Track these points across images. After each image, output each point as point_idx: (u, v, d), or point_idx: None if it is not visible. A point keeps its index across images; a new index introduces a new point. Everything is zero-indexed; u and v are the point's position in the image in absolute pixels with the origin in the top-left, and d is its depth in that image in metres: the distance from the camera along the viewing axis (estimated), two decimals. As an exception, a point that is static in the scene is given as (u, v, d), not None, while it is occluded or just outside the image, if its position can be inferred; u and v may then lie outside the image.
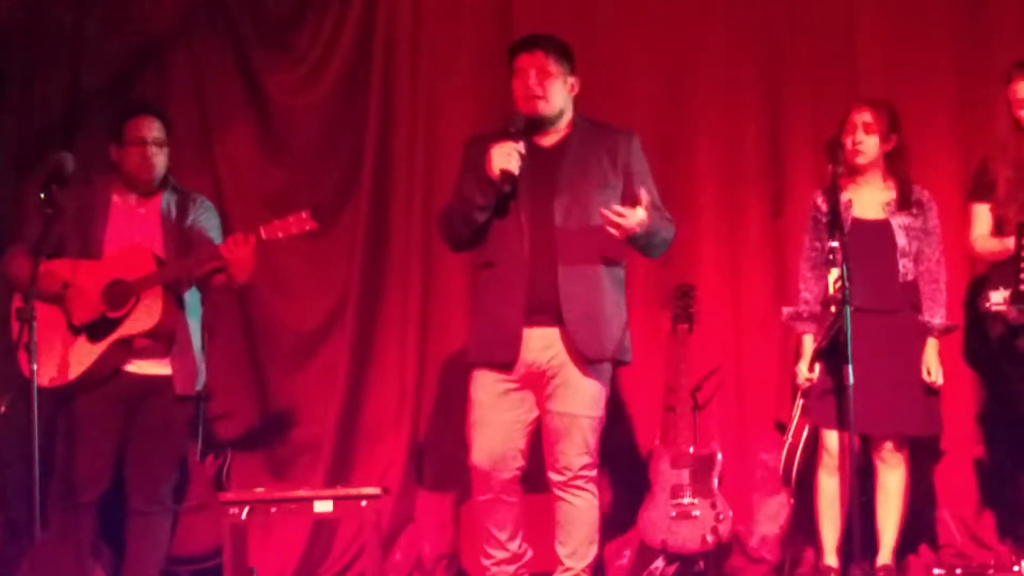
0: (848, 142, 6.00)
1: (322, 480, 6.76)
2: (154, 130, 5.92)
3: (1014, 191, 5.89)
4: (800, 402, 6.15)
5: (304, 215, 5.70)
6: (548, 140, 5.42)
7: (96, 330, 5.72)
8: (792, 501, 6.50)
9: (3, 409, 5.34)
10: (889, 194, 6.02)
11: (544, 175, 5.32)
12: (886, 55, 6.80)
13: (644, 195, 5.17)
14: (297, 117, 7.19)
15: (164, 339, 5.80)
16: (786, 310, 6.24)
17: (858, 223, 5.97)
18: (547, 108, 5.37)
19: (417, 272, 7.02)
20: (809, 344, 6.09)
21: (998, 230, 5.96)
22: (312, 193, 7.08)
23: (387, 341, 7.07)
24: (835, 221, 5.63)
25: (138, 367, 5.80)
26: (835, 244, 5.45)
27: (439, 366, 6.98)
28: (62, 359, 5.65)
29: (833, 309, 5.55)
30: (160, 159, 5.94)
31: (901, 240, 5.97)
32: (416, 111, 7.09)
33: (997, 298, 5.68)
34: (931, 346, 5.98)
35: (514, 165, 5.21)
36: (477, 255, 5.51)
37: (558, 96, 5.38)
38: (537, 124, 5.39)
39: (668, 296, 6.69)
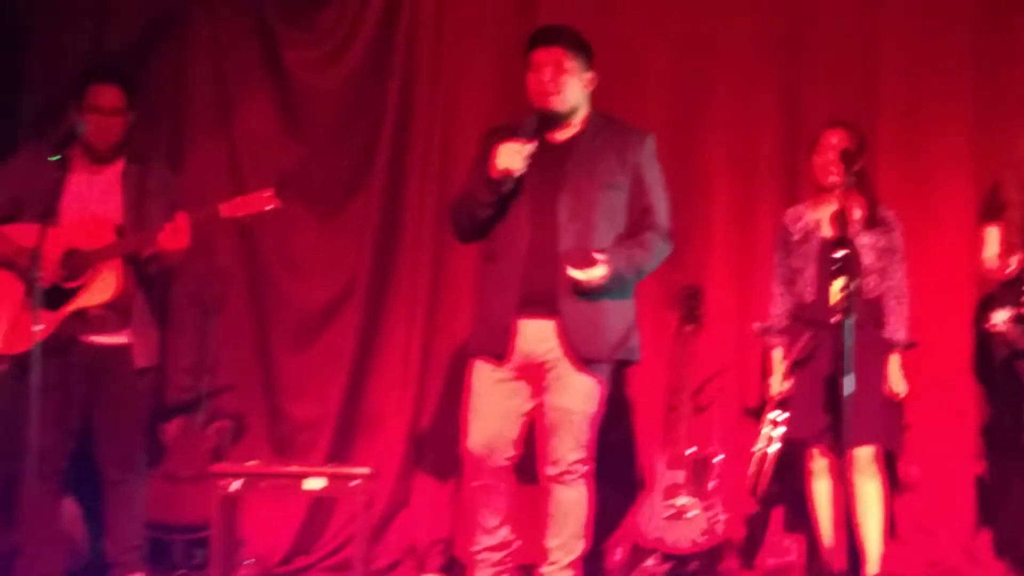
0: (820, 162, 6.06)
1: (322, 459, 6.78)
2: (113, 99, 5.86)
3: (1020, 214, 5.91)
4: (771, 415, 6.18)
5: (266, 194, 5.67)
6: (560, 135, 5.41)
7: (52, 300, 5.62)
8: (757, 510, 6.56)
9: (5, 367, 5.34)
10: (856, 213, 6.03)
11: (551, 171, 5.30)
12: (906, 66, 6.82)
13: (599, 256, 5.17)
14: (316, 95, 7.18)
15: (120, 311, 5.79)
16: (756, 325, 6.30)
17: (825, 242, 6.00)
18: (560, 104, 5.35)
19: (427, 259, 7.01)
20: (779, 358, 6.18)
21: (1006, 251, 5.96)
22: (328, 173, 7.12)
23: (394, 325, 7.06)
24: (842, 231, 5.63)
25: (96, 337, 5.80)
26: (840, 255, 5.45)
27: (444, 353, 6.97)
28: (20, 328, 5.49)
29: (834, 320, 5.55)
30: (117, 128, 5.88)
31: (868, 258, 6.01)
32: (435, 98, 7.07)
33: (1000, 318, 5.70)
34: (894, 361, 6.03)
35: (517, 165, 5.21)
36: (482, 248, 5.51)
37: (573, 92, 5.35)
38: (551, 120, 5.38)
39: (675, 296, 6.68)
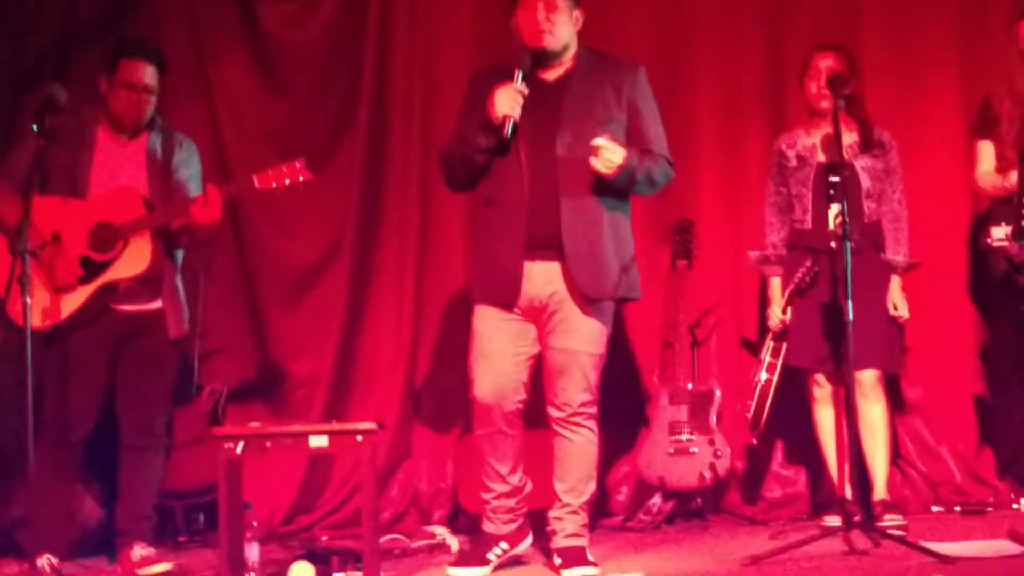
0: (812, 87, 6.04)
1: (319, 416, 6.73)
2: (147, 76, 5.82)
3: (1015, 128, 5.86)
4: (770, 345, 6.18)
5: (298, 164, 5.65)
6: (552, 74, 5.34)
7: (83, 272, 5.66)
8: (756, 443, 6.57)
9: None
10: (851, 137, 6.01)
11: (546, 110, 5.24)
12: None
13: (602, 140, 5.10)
14: (294, 50, 7.11)
15: (152, 283, 5.78)
16: (753, 254, 6.30)
17: (822, 167, 5.98)
18: (553, 42, 5.28)
19: (414, 207, 6.97)
20: (777, 287, 6.18)
21: (1000, 167, 5.93)
22: (310, 128, 7.05)
23: (384, 277, 7.03)
24: (837, 156, 5.60)
25: (127, 306, 5.78)
26: (836, 180, 5.45)
27: (437, 302, 6.96)
28: (50, 301, 5.60)
29: (833, 245, 5.55)
30: (147, 105, 5.85)
31: (866, 182, 6.00)
32: (414, 41, 7.01)
33: (999, 234, 5.61)
34: (895, 283, 6.04)
35: (517, 111, 5.16)
36: (477, 193, 5.42)
37: (564, 30, 5.30)
38: (542, 58, 5.32)
39: (667, 232, 6.66)
